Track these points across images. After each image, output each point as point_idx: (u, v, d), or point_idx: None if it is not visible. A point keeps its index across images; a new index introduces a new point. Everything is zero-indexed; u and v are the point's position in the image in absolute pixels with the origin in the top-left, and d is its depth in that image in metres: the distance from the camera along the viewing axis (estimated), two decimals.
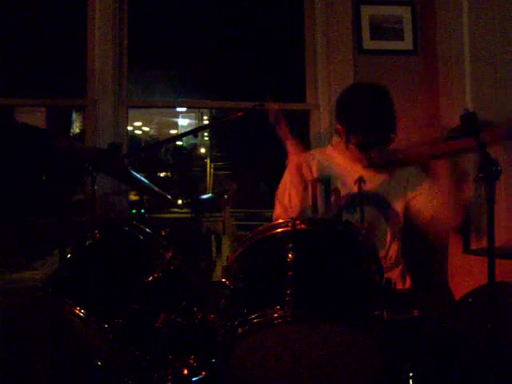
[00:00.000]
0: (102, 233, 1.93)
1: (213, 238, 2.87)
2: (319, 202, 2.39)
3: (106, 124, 3.02)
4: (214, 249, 2.85)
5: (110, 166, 2.30)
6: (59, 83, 3.50)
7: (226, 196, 3.09)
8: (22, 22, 3.38)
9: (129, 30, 3.15)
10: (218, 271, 2.61)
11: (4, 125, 3.42)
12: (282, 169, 2.62)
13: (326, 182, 2.40)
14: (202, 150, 7.12)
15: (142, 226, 1.89)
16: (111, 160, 2.23)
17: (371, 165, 2.22)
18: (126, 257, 1.88)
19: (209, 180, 6.50)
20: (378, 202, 2.41)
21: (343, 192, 2.39)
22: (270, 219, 3.60)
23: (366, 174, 2.35)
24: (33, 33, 3.45)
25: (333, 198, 2.39)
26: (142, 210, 2.96)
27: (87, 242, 1.92)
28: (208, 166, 6.67)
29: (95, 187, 2.25)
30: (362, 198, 2.35)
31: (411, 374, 1.68)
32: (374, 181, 2.37)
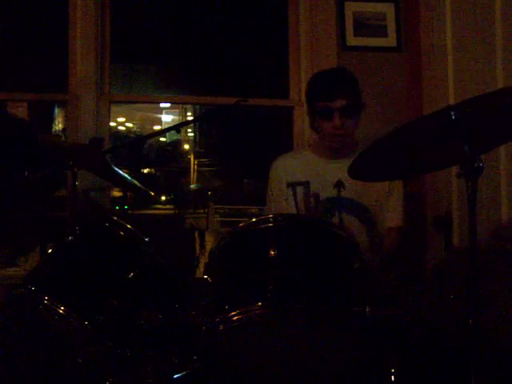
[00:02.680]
0: (82, 229, 1.91)
1: (196, 235, 2.86)
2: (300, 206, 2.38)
3: (87, 119, 3.00)
4: (197, 245, 2.84)
5: (92, 162, 2.27)
6: (40, 78, 3.46)
7: (209, 192, 3.08)
8: (1, 15, 3.33)
9: (111, 24, 3.13)
10: (202, 268, 2.60)
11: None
12: (266, 165, 2.62)
13: (304, 185, 2.39)
14: (186, 147, 7.09)
15: (123, 222, 1.88)
16: (93, 155, 2.20)
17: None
18: (107, 253, 1.86)
19: (192, 176, 6.48)
20: (358, 209, 2.40)
21: (322, 195, 2.37)
22: (254, 215, 3.59)
23: (345, 177, 2.30)
24: (13, 27, 3.41)
25: (312, 203, 2.37)
26: (126, 207, 2.95)
27: (68, 239, 1.90)
28: (192, 162, 6.64)
29: (76, 183, 2.23)
30: (340, 204, 2.33)
31: (393, 370, 1.68)
32: (353, 186, 2.31)
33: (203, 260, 2.64)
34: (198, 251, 2.77)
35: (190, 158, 6.70)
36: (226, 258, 1.69)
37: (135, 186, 2.50)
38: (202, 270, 2.40)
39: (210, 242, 2.77)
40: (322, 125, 2.38)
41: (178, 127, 2.34)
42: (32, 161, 2.47)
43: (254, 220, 1.67)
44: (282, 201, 2.45)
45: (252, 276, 1.61)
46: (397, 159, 1.72)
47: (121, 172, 2.39)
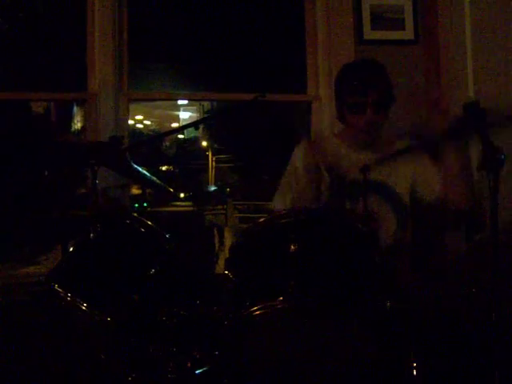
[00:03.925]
0: (103, 226, 1.92)
1: (215, 231, 2.87)
2: (323, 191, 2.37)
3: (106, 117, 3.01)
4: (216, 241, 2.85)
5: (112, 159, 2.29)
6: (60, 77, 3.49)
7: (228, 189, 3.09)
8: (20, 14, 3.37)
9: (129, 22, 3.14)
10: (221, 264, 2.61)
11: (21, 118, 3.41)
12: (284, 161, 2.61)
13: (329, 170, 2.38)
14: (204, 143, 7.08)
15: (143, 219, 1.89)
16: (112, 153, 2.22)
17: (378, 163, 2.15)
18: (127, 250, 1.88)
19: (211, 173, 6.48)
20: (384, 190, 2.38)
21: (348, 178, 2.36)
22: (272, 211, 3.55)
23: (371, 163, 2.27)
24: (33, 27, 3.44)
25: (336, 187, 2.36)
26: (145, 204, 2.96)
27: (89, 236, 1.91)
28: (210, 158, 6.65)
29: (97, 181, 2.24)
30: (366, 187, 2.31)
31: (415, 364, 1.67)
32: (379, 169, 2.29)
33: (222, 256, 2.65)
34: (217, 247, 2.78)
35: (208, 155, 6.70)
36: (246, 254, 1.70)
37: (155, 182, 2.51)
38: (222, 265, 2.41)
39: (228, 238, 2.78)
40: (352, 119, 2.35)
41: (197, 124, 2.35)
42: (52, 160, 2.49)
43: (273, 215, 1.67)
44: (300, 184, 2.42)
45: (273, 271, 1.61)
46: None
47: (140, 169, 2.40)
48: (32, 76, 3.45)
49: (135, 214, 1.93)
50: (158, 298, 1.81)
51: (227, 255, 1.77)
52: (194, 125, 2.35)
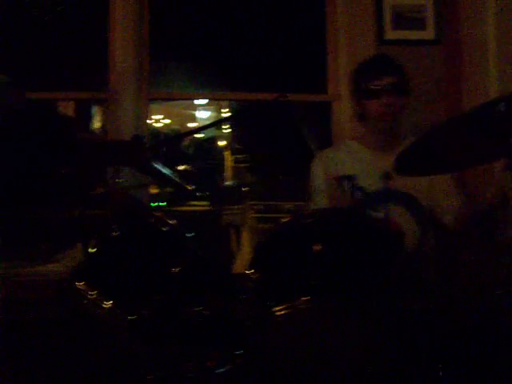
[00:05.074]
0: (126, 225, 1.93)
1: (232, 231, 2.86)
2: (345, 200, 2.37)
3: (127, 116, 3.03)
4: (233, 242, 2.84)
5: (134, 158, 2.30)
6: (80, 76, 3.50)
7: (244, 189, 3.09)
8: (40, 14, 3.39)
9: (150, 22, 3.15)
10: (238, 264, 2.61)
11: (46, 118, 3.43)
12: (302, 161, 2.61)
13: (350, 179, 2.38)
14: (222, 143, 7.07)
15: (165, 218, 1.90)
16: (135, 152, 2.23)
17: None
18: (150, 248, 1.88)
19: (228, 173, 6.48)
20: (407, 200, 2.37)
21: (369, 189, 2.36)
22: (290, 212, 3.57)
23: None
24: (54, 26, 3.46)
25: (359, 197, 2.36)
26: (164, 203, 2.97)
27: (112, 234, 1.92)
28: (227, 158, 6.64)
29: (119, 180, 2.25)
30: (388, 196, 2.30)
31: (440, 365, 1.66)
32: (401, 177, 2.25)
33: (240, 256, 2.65)
34: (234, 247, 2.77)
35: (225, 155, 6.70)
36: (270, 253, 1.69)
37: (175, 181, 2.52)
38: (239, 265, 2.41)
39: (246, 238, 2.78)
40: (369, 106, 2.37)
41: (218, 123, 2.35)
42: (75, 158, 2.51)
43: (298, 215, 1.67)
44: (326, 195, 2.42)
45: (296, 270, 1.61)
46: (442, 154, 1.70)
47: (160, 168, 2.41)
48: (53, 75, 3.47)
49: (158, 213, 1.93)
50: (180, 297, 1.81)
51: (245, 255, 1.77)
52: (216, 124, 2.36)
